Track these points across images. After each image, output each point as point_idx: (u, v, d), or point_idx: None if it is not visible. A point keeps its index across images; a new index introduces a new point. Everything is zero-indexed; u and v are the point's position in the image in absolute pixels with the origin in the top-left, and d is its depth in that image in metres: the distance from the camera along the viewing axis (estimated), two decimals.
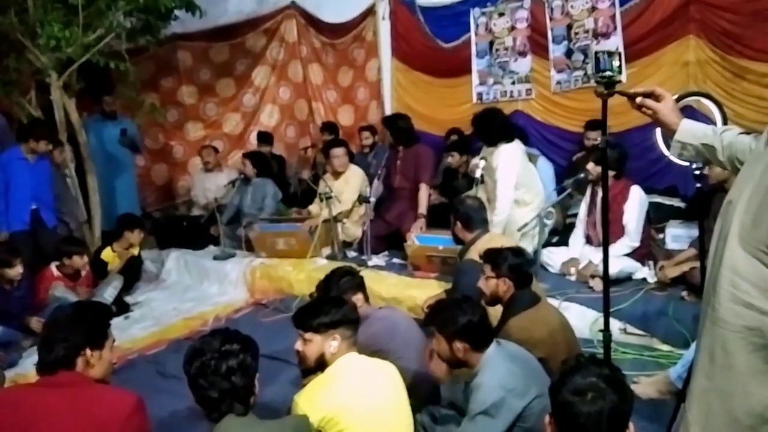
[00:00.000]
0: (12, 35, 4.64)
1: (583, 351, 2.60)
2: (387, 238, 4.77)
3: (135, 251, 4.77)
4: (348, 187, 4.90)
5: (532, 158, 4.54)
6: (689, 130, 1.61)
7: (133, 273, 4.83)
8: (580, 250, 3.90)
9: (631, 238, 3.68)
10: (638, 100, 1.69)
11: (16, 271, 3.78)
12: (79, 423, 1.59)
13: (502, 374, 1.93)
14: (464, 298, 2.22)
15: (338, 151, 4.98)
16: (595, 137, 4.44)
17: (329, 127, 6.10)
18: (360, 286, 2.64)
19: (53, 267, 4.19)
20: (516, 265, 2.51)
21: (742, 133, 1.56)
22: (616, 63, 1.91)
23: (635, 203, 3.68)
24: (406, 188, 4.82)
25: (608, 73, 1.89)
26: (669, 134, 1.65)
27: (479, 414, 1.89)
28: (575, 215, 4.16)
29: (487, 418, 1.88)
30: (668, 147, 1.70)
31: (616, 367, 1.43)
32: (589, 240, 3.92)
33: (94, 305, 2.04)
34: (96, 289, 4.33)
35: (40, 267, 4.23)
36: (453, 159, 5.01)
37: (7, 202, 4.40)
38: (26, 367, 3.34)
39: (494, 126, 4.06)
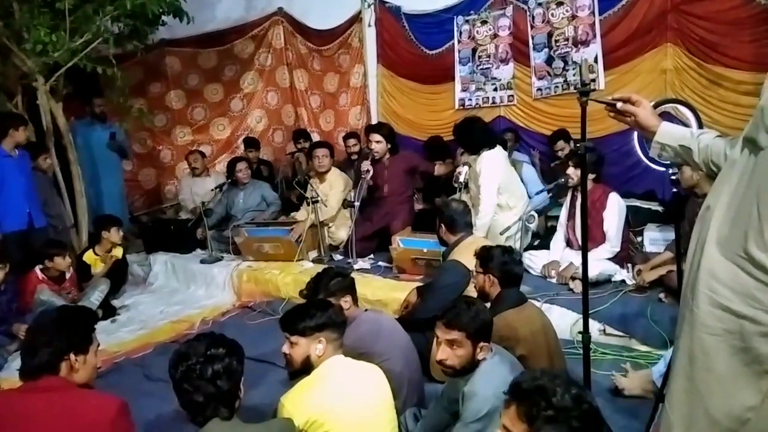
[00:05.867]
0: None
1: (563, 352, 2.67)
2: (373, 239, 4.80)
3: (118, 252, 4.74)
4: (332, 192, 4.95)
5: (516, 164, 4.63)
6: (668, 132, 1.65)
7: (119, 276, 4.83)
8: (560, 253, 3.98)
9: (612, 244, 3.76)
10: (619, 105, 1.72)
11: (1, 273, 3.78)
12: (63, 428, 1.60)
13: (497, 384, 1.91)
14: (474, 299, 2.24)
15: (321, 152, 5.02)
16: (562, 146, 4.57)
17: (303, 134, 6.20)
18: (349, 288, 2.65)
19: (38, 270, 4.18)
20: (502, 263, 2.58)
21: (718, 136, 1.59)
22: (591, 72, 1.99)
23: (614, 210, 3.76)
24: (396, 194, 4.84)
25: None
26: (649, 137, 1.68)
27: (473, 422, 1.90)
28: (556, 218, 4.24)
29: (481, 425, 1.90)
30: (648, 150, 1.74)
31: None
32: (569, 243, 3.99)
33: (78, 310, 2.04)
34: (82, 293, 4.34)
35: (30, 269, 4.21)
36: (440, 167, 5.07)
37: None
38: (11, 372, 3.32)
39: (475, 134, 4.14)
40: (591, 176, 3.75)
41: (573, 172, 3.78)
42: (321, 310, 2.13)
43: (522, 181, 4.44)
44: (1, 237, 4.35)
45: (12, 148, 4.41)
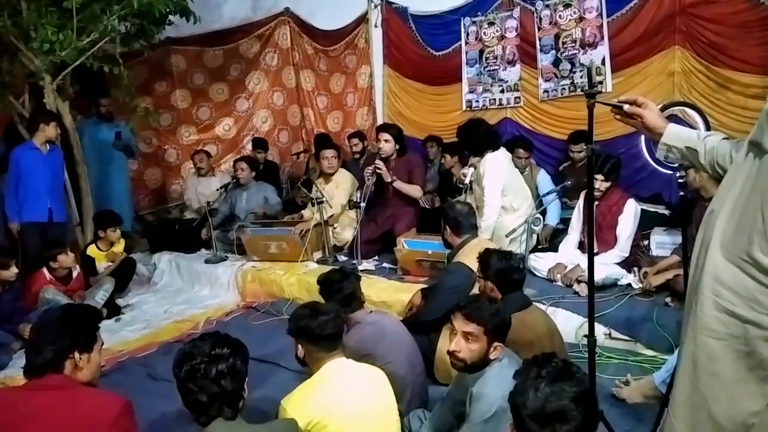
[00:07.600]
0: (5, 38, 4.65)
1: (568, 356, 2.65)
2: (378, 242, 4.80)
3: (118, 249, 4.73)
4: (338, 191, 4.95)
5: (533, 170, 4.64)
6: (675, 134, 1.64)
7: (125, 274, 4.83)
8: (568, 256, 3.95)
9: (622, 249, 3.74)
10: (626, 107, 1.72)
11: (11, 272, 3.81)
12: (66, 426, 1.60)
13: (505, 386, 1.90)
14: (495, 298, 2.21)
15: (328, 152, 5.03)
16: (579, 149, 4.50)
17: (322, 139, 6.14)
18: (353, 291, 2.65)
19: (45, 271, 4.19)
20: (500, 269, 2.57)
21: (725, 138, 1.58)
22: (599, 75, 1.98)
23: (630, 216, 3.73)
24: (400, 195, 4.81)
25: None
26: (655, 138, 1.68)
27: (480, 423, 1.90)
28: (566, 220, 4.22)
29: (488, 427, 1.89)
30: (654, 152, 1.73)
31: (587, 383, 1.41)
32: (581, 246, 3.96)
33: (83, 308, 2.03)
34: (87, 292, 4.34)
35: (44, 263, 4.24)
36: (446, 160, 5.07)
37: (21, 194, 4.44)
38: (16, 370, 3.34)
39: (478, 136, 4.13)
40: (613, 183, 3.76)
41: (600, 184, 3.72)
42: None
43: (537, 186, 4.44)
44: (18, 227, 4.41)
45: (42, 143, 4.50)
